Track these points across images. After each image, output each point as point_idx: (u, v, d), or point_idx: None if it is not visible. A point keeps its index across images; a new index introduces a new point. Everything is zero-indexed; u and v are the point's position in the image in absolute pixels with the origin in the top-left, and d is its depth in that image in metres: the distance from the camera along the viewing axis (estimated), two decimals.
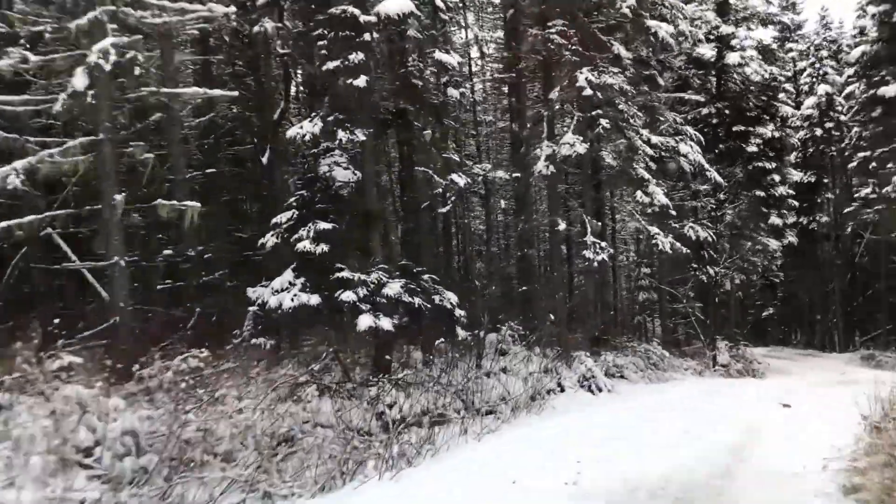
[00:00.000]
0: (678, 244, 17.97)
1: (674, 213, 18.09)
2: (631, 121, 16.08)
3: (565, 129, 15.38)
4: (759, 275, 33.40)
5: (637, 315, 26.07)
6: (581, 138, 14.58)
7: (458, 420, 10.02)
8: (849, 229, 33.31)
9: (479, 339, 13.37)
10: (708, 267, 21.74)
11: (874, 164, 26.12)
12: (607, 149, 17.38)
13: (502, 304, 17.27)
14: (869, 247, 34.53)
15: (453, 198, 12.40)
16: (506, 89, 19.51)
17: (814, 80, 34.19)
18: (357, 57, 10.02)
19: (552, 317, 15.19)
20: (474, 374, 11.82)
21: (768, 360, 32.52)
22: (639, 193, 16.61)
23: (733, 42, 25.27)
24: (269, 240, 10.97)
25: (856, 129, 29.02)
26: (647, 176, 16.61)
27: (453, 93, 12.88)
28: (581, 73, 14.58)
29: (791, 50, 34.78)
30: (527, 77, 16.62)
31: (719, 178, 22.63)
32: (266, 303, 10.56)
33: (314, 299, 10.33)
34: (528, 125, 16.94)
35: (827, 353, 35.80)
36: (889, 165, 22.23)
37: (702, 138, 21.78)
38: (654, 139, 17.31)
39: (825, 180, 34.89)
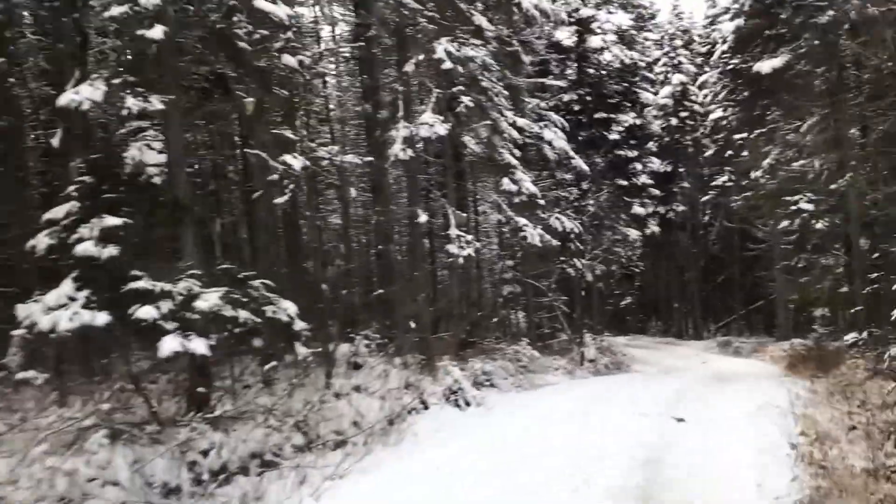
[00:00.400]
0: (547, 236, 16.72)
1: (542, 202, 16.83)
2: (495, 99, 14.55)
3: (424, 108, 13.57)
4: (620, 265, 33.39)
5: (501, 311, 24.91)
6: (441, 118, 12.81)
7: (294, 462, 7.98)
8: (706, 218, 33.95)
9: (329, 354, 11.33)
10: (575, 259, 20.70)
11: (742, 147, 25.91)
12: (470, 132, 15.77)
13: (358, 310, 15.26)
14: (721, 235, 35.41)
15: (291, 185, 10.22)
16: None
17: (668, 69, 34.49)
18: (150, 1, 7.65)
19: (413, 322, 13.37)
20: (320, 397, 9.79)
21: (630, 350, 32.53)
22: (505, 181, 15.15)
23: (593, 25, 24.56)
24: (42, 241, 8.36)
25: (717, 113, 28.90)
26: (513, 162, 15.16)
27: (289, 60, 10.67)
28: (439, 43, 12.82)
29: (647, 39, 34.93)
30: (379, 50, 14.66)
31: (584, 166, 21.71)
32: (35, 324, 7.96)
33: (101, 318, 7.83)
34: (383, 106, 15.02)
35: (685, 340, 36.48)
36: (767, 148, 21.99)
37: (566, 124, 20.75)
38: (520, 122, 15.90)
39: (680, 169, 35.37)
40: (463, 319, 16.76)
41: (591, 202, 24.05)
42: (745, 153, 28.02)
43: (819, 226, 19.72)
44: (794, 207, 19.38)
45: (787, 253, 29.62)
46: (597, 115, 24.76)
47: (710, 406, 10.68)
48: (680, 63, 34.18)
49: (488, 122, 14.71)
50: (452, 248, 13.81)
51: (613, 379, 18.20)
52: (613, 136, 24.97)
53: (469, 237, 14.38)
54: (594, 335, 23.23)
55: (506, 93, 15.49)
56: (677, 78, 33.66)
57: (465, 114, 13.78)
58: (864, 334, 16.04)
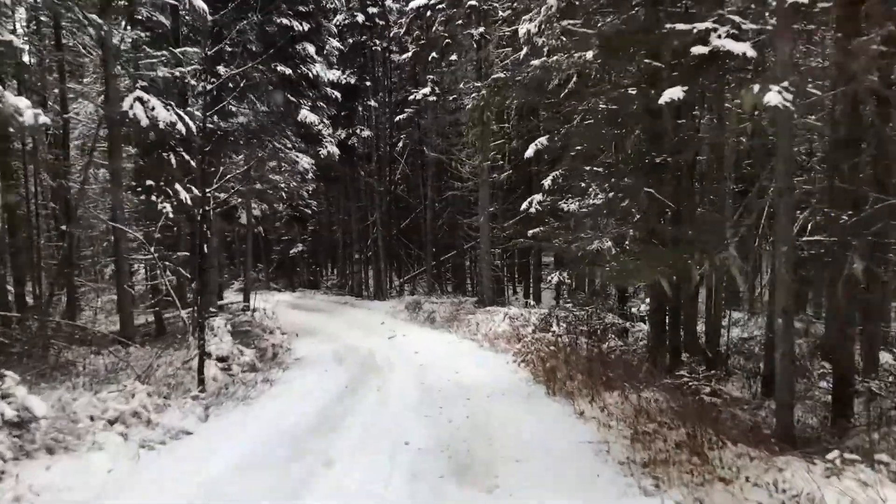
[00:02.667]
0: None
1: None
2: None
3: None
4: (289, 204, 24.93)
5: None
6: None
7: None
8: (399, 145, 26.67)
9: None
10: (181, 190, 11.58)
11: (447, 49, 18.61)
12: None
13: None
14: (418, 166, 28.65)
15: None
16: None
17: None
18: None
19: None
20: None
21: (296, 316, 24.59)
22: None
23: None
24: None
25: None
26: None
27: None
28: None
29: None
30: None
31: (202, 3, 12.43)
32: None
33: None
34: None
35: (365, 299, 29.51)
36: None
37: None
38: None
39: (368, 83, 27.59)
40: None
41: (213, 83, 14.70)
42: (453, 58, 21.00)
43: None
44: None
45: (497, 195, 23.73)
46: None
47: None
48: None
49: None
50: None
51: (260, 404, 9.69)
52: None
53: None
54: (231, 314, 14.50)
55: None
56: None
57: None
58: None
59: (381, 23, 26.25)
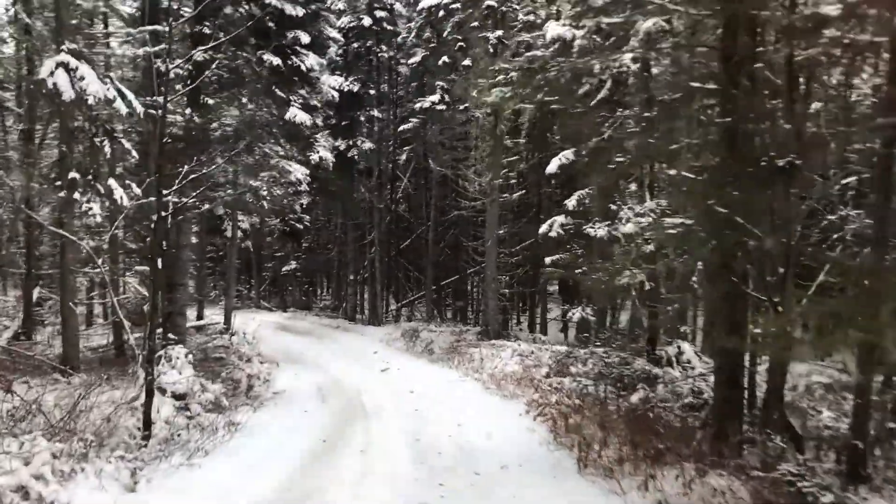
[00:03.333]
0: None
1: None
2: None
3: None
4: (279, 217, 22.90)
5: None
6: None
7: None
8: (402, 157, 24.69)
9: None
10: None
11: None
12: None
13: None
14: (425, 181, 26.66)
15: None
16: None
17: None
18: None
19: None
20: None
21: (283, 340, 22.52)
22: None
23: None
24: None
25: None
26: None
27: None
28: None
29: None
30: None
31: None
32: None
33: None
34: None
35: (359, 324, 27.37)
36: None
37: None
38: None
39: (372, 92, 25.64)
40: None
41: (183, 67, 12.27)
42: (466, 63, 19.08)
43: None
44: None
45: (506, 216, 21.73)
46: None
47: None
48: None
49: None
50: None
51: None
52: None
53: None
54: (207, 336, 12.43)
55: None
56: None
57: None
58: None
59: (390, 28, 24.36)
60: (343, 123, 23.55)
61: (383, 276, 27.31)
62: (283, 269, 33.18)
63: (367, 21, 23.92)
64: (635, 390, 11.54)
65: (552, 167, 13.89)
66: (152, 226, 8.62)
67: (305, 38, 15.00)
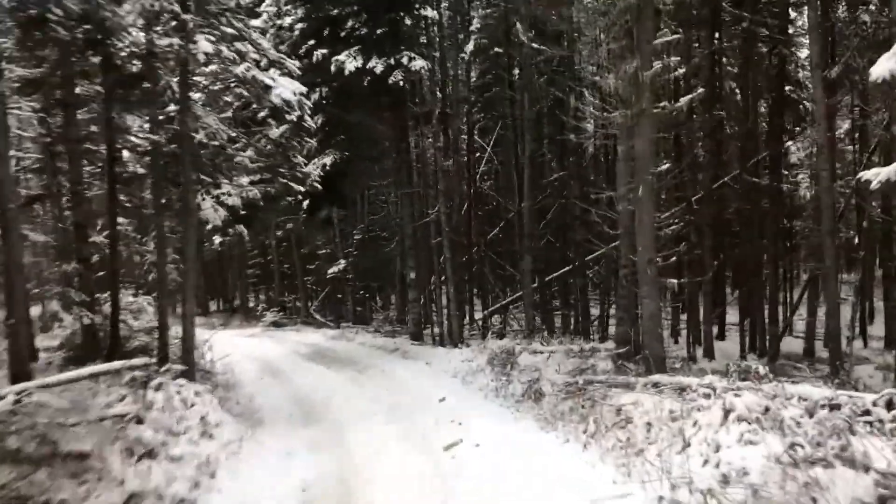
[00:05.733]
0: None
1: None
2: None
3: None
4: (272, 174, 14.43)
5: None
6: None
7: None
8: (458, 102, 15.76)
9: None
10: None
11: None
12: None
13: None
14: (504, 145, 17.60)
15: None
16: None
17: None
18: None
19: None
20: None
21: (306, 374, 14.64)
22: None
23: None
24: None
25: None
26: None
27: None
28: None
29: None
30: None
31: None
32: None
33: None
34: None
35: (427, 343, 18.58)
36: None
37: None
38: None
39: None
40: None
41: None
42: None
43: None
44: None
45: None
46: None
47: None
48: None
49: None
50: None
51: None
52: None
53: None
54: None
55: None
56: None
57: None
58: None
59: None
60: (378, 32, 14.66)
61: (458, 273, 18.41)
62: (330, 270, 24.74)
63: None
64: None
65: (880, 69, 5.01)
66: None
67: None
